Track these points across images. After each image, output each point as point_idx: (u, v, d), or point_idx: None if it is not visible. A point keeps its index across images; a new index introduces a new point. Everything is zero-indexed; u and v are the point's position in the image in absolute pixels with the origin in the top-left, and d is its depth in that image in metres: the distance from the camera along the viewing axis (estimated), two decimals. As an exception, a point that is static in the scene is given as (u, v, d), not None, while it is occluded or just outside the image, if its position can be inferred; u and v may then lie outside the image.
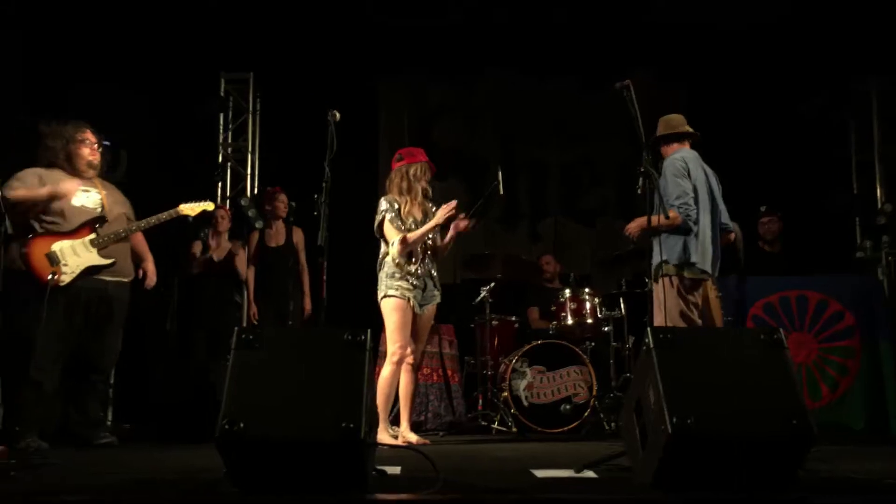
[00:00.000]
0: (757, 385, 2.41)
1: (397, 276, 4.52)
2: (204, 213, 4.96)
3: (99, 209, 4.52)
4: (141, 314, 6.58)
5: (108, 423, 6.53)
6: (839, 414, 5.10)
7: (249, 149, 7.73)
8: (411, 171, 4.68)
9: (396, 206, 4.61)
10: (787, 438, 2.33)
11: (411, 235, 4.51)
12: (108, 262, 4.46)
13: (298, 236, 6.57)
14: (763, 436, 2.34)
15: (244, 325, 7.07)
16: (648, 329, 2.52)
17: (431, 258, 4.69)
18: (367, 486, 2.37)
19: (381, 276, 4.57)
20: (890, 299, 6.08)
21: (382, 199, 4.67)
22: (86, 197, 4.51)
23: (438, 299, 4.71)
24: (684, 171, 4.48)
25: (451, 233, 4.61)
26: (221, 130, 7.66)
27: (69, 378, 4.42)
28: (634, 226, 4.54)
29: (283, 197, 6.52)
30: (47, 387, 4.26)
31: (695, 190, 4.44)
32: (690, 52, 7.60)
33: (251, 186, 7.72)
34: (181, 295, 6.08)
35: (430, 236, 4.65)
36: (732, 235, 4.76)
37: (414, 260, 4.56)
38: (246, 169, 7.72)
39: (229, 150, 7.70)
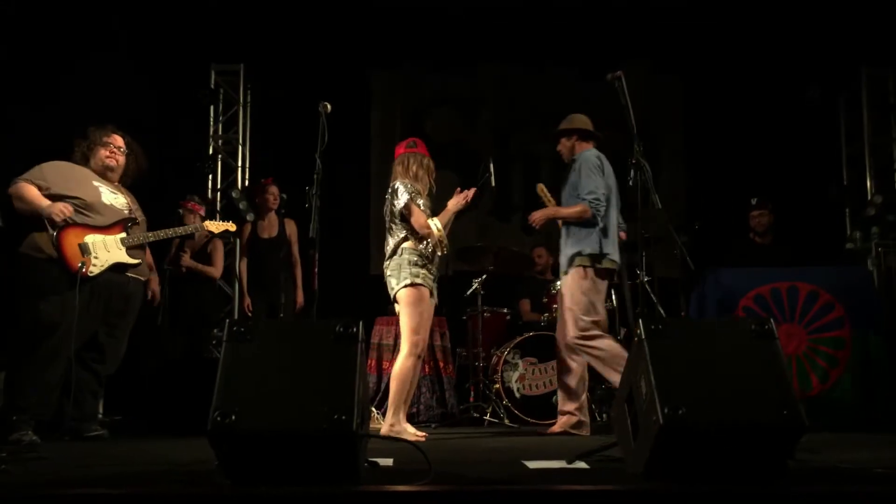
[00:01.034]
0: (748, 375, 2.42)
1: (419, 263, 4.36)
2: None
3: (126, 211, 4.67)
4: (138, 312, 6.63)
5: (100, 415, 6.54)
6: (829, 404, 5.11)
7: (240, 141, 7.71)
8: (426, 163, 4.60)
9: (415, 191, 4.45)
10: (777, 428, 2.34)
11: (442, 221, 4.45)
12: (136, 261, 4.63)
13: (291, 228, 6.58)
14: (754, 425, 2.35)
15: (235, 317, 7.08)
16: (640, 320, 2.52)
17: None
18: (359, 478, 2.37)
19: (401, 263, 4.35)
20: (880, 290, 6.11)
21: (399, 183, 4.46)
22: (113, 197, 4.65)
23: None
24: (599, 168, 4.78)
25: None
26: (212, 122, 7.64)
27: (69, 370, 4.42)
28: (540, 215, 4.84)
29: (274, 189, 6.51)
30: (51, 378, 4.30)
31: (607, 187, 4.75)
32: (686, 43, 7.63)
33: (242, 178, 7.70)
34: (171, 289, 6.08)
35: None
36: (623, 235, 5.00)
37: (441, 247, 4.49)
38: (237, 161, 7.70)
39: (220, 141, 7.68)
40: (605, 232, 4.70)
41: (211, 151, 7.58)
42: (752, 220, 6.41)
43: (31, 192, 4.36)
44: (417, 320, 4.32)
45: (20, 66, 6.30)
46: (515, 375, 5.84)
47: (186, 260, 6.22)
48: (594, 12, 7.46)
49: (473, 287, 6.22)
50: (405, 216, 4.39)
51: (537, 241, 7.60)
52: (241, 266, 6.60)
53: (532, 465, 2.87)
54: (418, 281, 4.32)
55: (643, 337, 2.49)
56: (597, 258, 4.67)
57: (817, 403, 5.07)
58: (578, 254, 4.71)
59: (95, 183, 4.60)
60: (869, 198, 7.21)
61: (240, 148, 7.70)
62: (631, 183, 4.01)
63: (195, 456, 3.12)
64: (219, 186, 7.57)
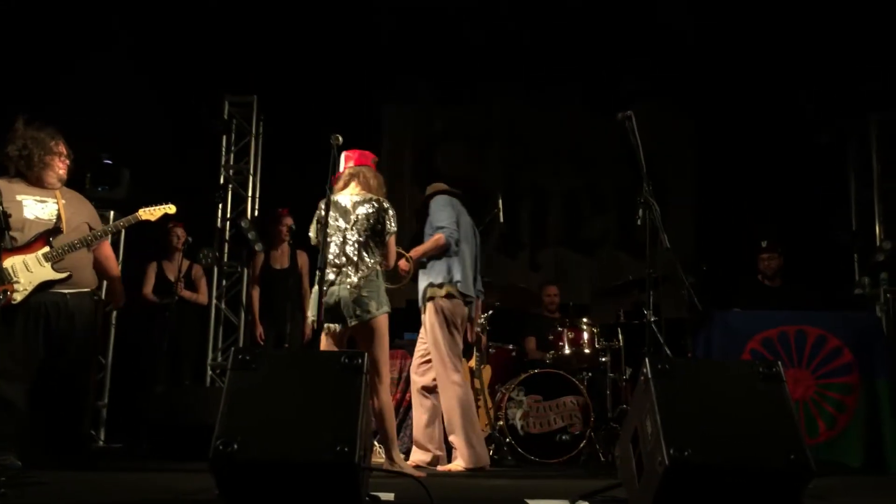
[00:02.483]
0: (755, 418, 2.40)
1: (384, 290, 4.26)
2: (166, 216, 4.72)
3: (54, 220, 4.25)
4: (136, 334, 6.65)
5: (100, 443, 6.52)
6: (836, 451, 5.05)
7: (251, 171, 7.77)
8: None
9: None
10: (784, 472, 2.32)
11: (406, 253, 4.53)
12: (63, 275, 4.16)
13: (303, 259, 6.63)
14: (760, 469, 2.32)
15: (240, 345, 7.09)
16: (647, 359, 2.51)
17: None
18: (360, 511, 2.35)
19: (379, 286, 4.17)
20: (888, 336, 6.06)
21: (388, 205, 4.28)
22: (40, 208, 4.24)
23: None
24: (450, 203, 4.93)
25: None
26: (224, 152, 7.70)
27: (41, 396, 4.17)
28: (403, 262, 4.77)
29: (288, 220, 6.57)
30: (19, 404, 4.02)
31: (458, 223, 4.87)
32: (699, 86, 7.71)
33: (252, 208, 7.74)
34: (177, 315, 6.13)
35: None
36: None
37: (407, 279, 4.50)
38: (247, 191, 7.74)
39: (231, 171, 7.73)
40: (457, 263, 4.81)
41: (222, 181, 7.63)
42: (762, 263, 6.40)
43: None
44: (387, 347, 4.25)
45: (20, 93, 6.36)
46: (519, 413, 5.79)
47: (182, 290, 6.29)
48: (608, 51, 7.54)
49: (480, 322, 6.20)
50: (384, 242, 4.24)
51: (548, 278, 7.61)
52: (254, 294, 6.65)
53: None
54: (389, 310, 4.22)
55: (650, 377, 2.47)
56: (444, 286, 4.74)
57: (825, 450, 5.01)
58: (430, 285, 4.79)
59: (19, 197, 4.16)
60: (878, 243, 7.19)
61: (250, 178, 7.75)
62: (640, 222, 4.01)
63: (197, 485, 3.10)
64: (229, 216, 7.61)
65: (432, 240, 4.80)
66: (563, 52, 7.66)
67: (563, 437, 5.72)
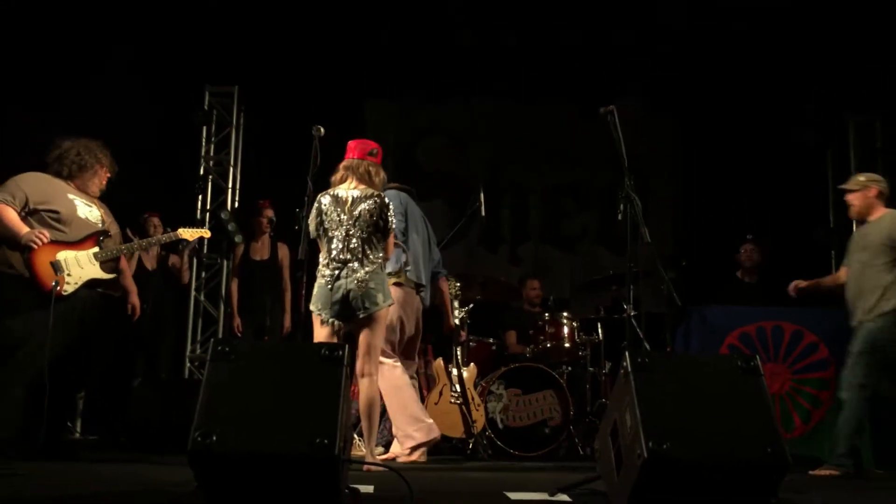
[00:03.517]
0: (733, 411, 2.42)
1: (387, 282, 4.27)
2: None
3: (100, 224, 4.55)
4: (113, 326, 6.60)
5: (76, 435, 6.47)
6: (812, 445, 5.11)
7: (231, 162, 7.71)
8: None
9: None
10: (761, 465, 2.34)
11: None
12: (110, 276, 4.50)
13: (284, 252, 6.58)
14: (738, 462, 2.35)
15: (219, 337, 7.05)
16: (626, 353, 2.52)
17: None
18: (340, 503, 2.35)
19: (383, 280, 4.15)
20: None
21: (389, 200, 4.25)
22: (88, 210, 4.52)
23: None
24: (396, 197, 4.87)
25: None
26: (204, 143, 7.64)
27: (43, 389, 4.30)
28: None
29: (269, 212, 6.53)
30: (18, 394, 4.16)
31: (406, 214, 4.91)
32: (680, 85, 7.77)
33: (232, 200, 7.69)
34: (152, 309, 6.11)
35: None
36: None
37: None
38: (227, 182, 7.69)
39: (211, 162, 7.68)
40: (408, 250, 4.85)
41: (202, 172, 7.57)
42: (743, 254, 6.46)
43: (9, 216, 4.23)
44: (383, 339, 4.25)
45: (17, 80, 6.32)
46: (500, 406, 5.81)
47: (186, 274, 6.38)
48: (591, 51, 7.55)
49: (460, 316, 6.20)
50: (387, 237, 4.21)
51: (529, 273, 7.63)
52: (232, 287, 6.62)
53: (514, 496, 2.84)
54: (392, 302, 4.22)
55: (629, 370, 2.49)
56: (393, 276, 4.74)
57: (800, 443, 5.08)
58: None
59: (70, 196, 4.47)
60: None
61: (231, 169, 7.70)
62: (620, 217, 4.03)
63: (176, 477, 3.08)
64: (208, 207, 7.55)
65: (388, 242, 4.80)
66: (547, 52, 7.66)
67: (545, 431, 5.74)
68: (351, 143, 4.34)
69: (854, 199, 4.85)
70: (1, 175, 4.47)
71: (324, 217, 4.13)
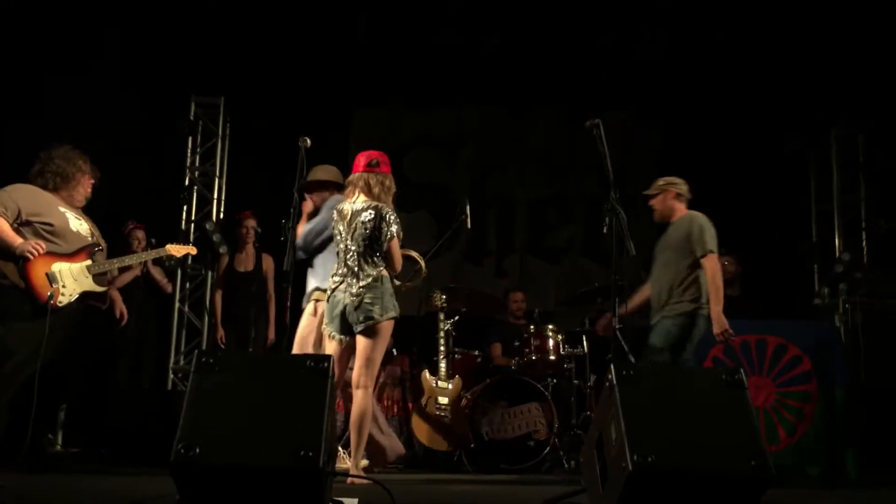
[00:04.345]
0: (717, 424, 2.43)
1: (394, 295, 4.18)
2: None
3: (90, 238, 4.55)
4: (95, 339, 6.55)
5: (58, 447, 6.39)
6: (796, 458, 5.14)
7: (217, 173, 7.67)
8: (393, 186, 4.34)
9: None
10: (745, 478, 2.35)
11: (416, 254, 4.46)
12: (102, 289, 4.50)
13: (268, 263, 6.56)
14: (722, 475, 2.35)
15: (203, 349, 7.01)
16: (611, 366, 2.53)
17: None
18: (323, 516, 2.33)
19: (384, 291, 4.07)
20: (846, 346, 6.18)
21: (388, 210, 4.15)
22: (78, 224, 4.52)
23: None
24: (331, 208, 4.62)
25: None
26: (189, 153, 7.61)
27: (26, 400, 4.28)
28: None
29: (250, 222, 6.50)
30: (1, 404, 4.14)
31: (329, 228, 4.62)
32: (666, 95, 7.82)
33: (217, 211, 7.65)
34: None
35: None
36: None
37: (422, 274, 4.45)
38: (213, 193, 7.65)
39: (196, 173, 7.64)
40: (314, 268, 4.76)
41: (187, 182, 7.54)
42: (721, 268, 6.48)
43: (3, 228, 4.22)
44: (383, 355, 4.20)
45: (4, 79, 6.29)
46: (484, 419, 5.79)
47: (166, 284, 6.35)
48: (577, 60, 7.61)
49: (445, 328, 6.19)
50: (389, 246, 4.13)
51: (514, 285, 7.63)
52: (216, 298, 6.59)
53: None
54: (396, 315, 4.14)
55: (614, 383, 2.49)
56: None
57: (785, 456, 5.10)
58: (317, 289, 4.69)
59: (62, 209, 4.47)
60: (837, 255, 7.32)
61: (216, 180, 7.67)
62: (605, 230, 4.04)
63: (157, 490, 3.05)
64: (193, 218, 7.51)
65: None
66: (535, 61, 7.71)
67: (529, 443, 5.73)
68: (357, 156, 4.33)
69: (656, 203, 5.03)
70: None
71: (334, 232, 4.18)
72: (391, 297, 4.11)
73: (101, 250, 4.60)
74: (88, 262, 4.46)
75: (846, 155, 7.50)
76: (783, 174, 7.66)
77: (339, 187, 4.74)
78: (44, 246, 4.26)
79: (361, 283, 4.05)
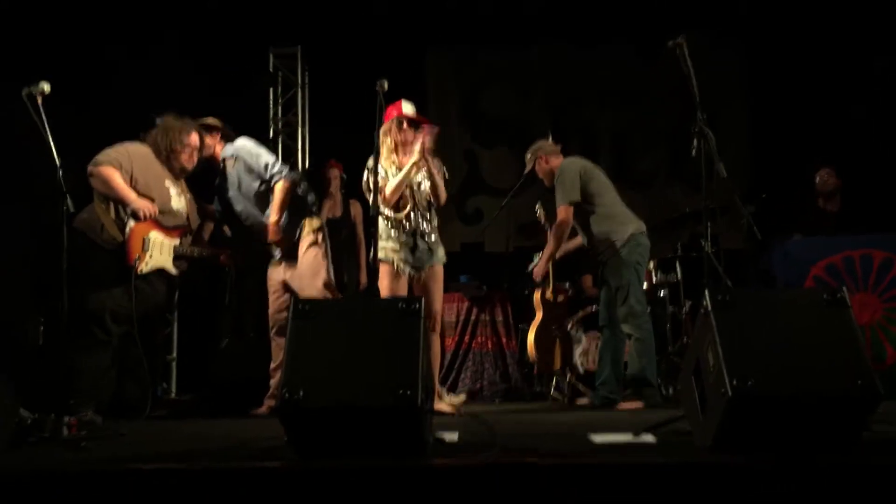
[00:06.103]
0: (819, 345, 2.36)
1: (383, 236, 4.35)
2: None
3: (185, 219, 4.63)
4: (201, 289, 6.79)
5: (172, 395, 6.75)
6: (906, 374, 4.97)
7: (299, 123, 7.78)
8: (382, 131, 4.48)
9: (372, 164, 4.22)
10: (851, 398, 2.28)
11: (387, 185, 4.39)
12: (176, 272, 4.57)
13: (356, 209, 6.60)
14: (826, 396, 2.29)
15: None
16: (706, 291, 2.48)
17: (423, 215, 4.47)
18: (425, 452, 2.40)
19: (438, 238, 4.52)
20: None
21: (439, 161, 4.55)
22: (178, 200, 4.58)
23: (438, 260, 4.48)
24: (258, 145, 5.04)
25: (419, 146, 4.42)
26: (271, 105, 7.72)
27: (124, 353, 4.46)
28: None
29: (335, 171, 6.56)
30: (101, 363, 4.29)
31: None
32: (746, 11, 7.46)
33: (302, 160, 7.77)
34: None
35: (419, 188, 4.48)
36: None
37: (403, 211, 4.41)
38: (297, 143, 7.77)
39: (279, 124, 7.76)
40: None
41: (271, 135, 7.67)
42: (818, 181, 6.24)
43: (119, 181, 4.27)
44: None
45: (75, 49, 6.44)
46: (578, 350, 5.80)
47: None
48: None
49: (534, 262, 6.17)
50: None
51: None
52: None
53: (598, 438, 2.85)
54: (381, 256, 4.29)
55: (710, 308, 2.44)
56: None
57: (893, 374, 4.93)
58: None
59: (167, 184, 4.53)
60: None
61: (299, 129, 7.77)
62: (694, 153, 3.91)
63: (265, 433, 3.19)
64: (280, 169, 7.65)
65: None
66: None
67: (624, 373, 5.71)
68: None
69: (539, 173, 5.33)
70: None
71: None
72: (380, 240, 4.33)
73: (189, 235, 4.67)
74: (177, 241, 4.53)
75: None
76: (878, 83, 7.24)
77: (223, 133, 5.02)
78: (157, 211, 4.35)
79: (432, 224, 4.46)
